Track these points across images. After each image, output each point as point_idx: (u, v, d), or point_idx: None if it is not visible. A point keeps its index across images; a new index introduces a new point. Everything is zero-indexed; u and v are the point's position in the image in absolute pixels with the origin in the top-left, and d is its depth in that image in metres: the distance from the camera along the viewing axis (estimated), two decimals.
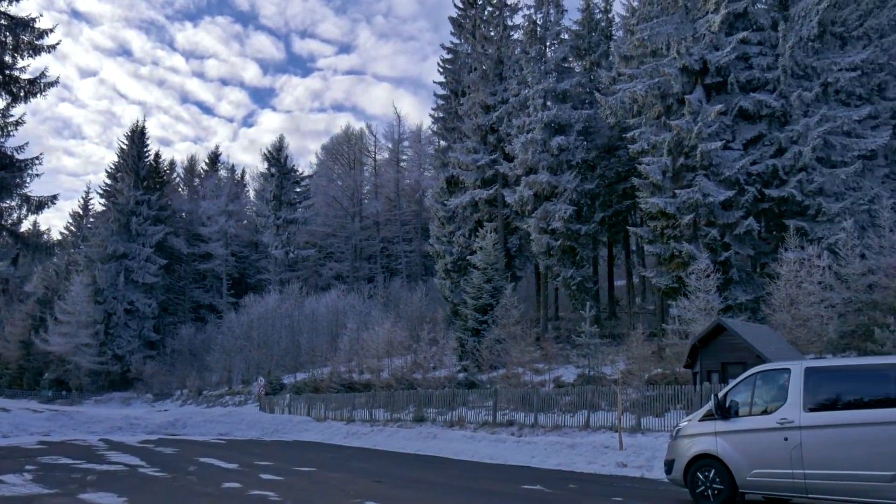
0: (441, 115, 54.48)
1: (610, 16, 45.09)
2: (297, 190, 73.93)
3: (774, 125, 31.81)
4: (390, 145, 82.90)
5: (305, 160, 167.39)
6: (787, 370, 9.80)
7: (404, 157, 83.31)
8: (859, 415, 8.87)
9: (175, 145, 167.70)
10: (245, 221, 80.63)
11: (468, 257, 42.60)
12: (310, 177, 79.78)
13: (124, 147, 72.68)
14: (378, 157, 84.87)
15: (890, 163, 33.05)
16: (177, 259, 73.95)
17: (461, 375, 34.43)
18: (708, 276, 27.18)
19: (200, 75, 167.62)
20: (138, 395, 59.27)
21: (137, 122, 78.60)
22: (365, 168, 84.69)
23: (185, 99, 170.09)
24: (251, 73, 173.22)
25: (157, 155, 75.02)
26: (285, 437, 28.59)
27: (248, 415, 36.10)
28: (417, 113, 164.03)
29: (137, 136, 71.81)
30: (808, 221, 29.75)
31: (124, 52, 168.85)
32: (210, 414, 37.86)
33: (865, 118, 30.89)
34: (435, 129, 58.88)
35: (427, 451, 20.57)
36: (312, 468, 15.59)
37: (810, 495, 9.25)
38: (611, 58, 40.17)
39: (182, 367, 59.29)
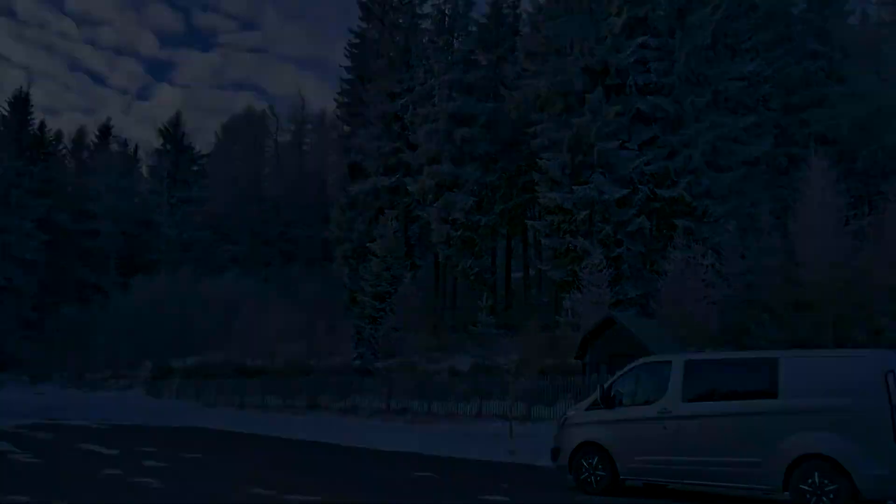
0: (346, 100, 53.83)
1: (518, 11, 45.71)
2: (194, 168, 71.50)
3: (668, 128, 33.15)
4: (293, 128, 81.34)
5: (204, 139, 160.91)
6: (669, 363, 10.23)
7: (307, 141, 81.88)
8: (731, 405, 9.38)
9: (63, 115, 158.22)
10: (137, 199, 77.18)
11: (368, 244, 42.36)
12: (207, 156, 77.13)
13: (5, 114, 68.18)
14: (280, 139, 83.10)
15: (771, 169, 35.07)
16: (61, 235, 70.06)
17: (357, 363, 34.33)
18: (601, 270, 28.09)
19: (92, 42, 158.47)
20: (13, 378, 55.94)
21: (21, 88, 73.62)
22: (266, 150, 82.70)
23: (74, 66, 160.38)
24: (148, 44, 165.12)
25: (43, 124, 70.84)
26: (173, 423, 27.67)
27: (133, 400, 34.92)
28: (322, 96, 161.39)
29: (20, 103, 67.70)
30: (695, 222, 31.16)
31: (8, 11, 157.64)
32: (93, 398, 36.36)
33: (750, 126, 32.70)
34: (339, 113, 58.05)
35: (320, 437, 20.40)
36: (198, 454, 15.19)
37: (685, 481, 9.76)
38: (517, 53, 40.75)
39: (63, 348, 56.16)
